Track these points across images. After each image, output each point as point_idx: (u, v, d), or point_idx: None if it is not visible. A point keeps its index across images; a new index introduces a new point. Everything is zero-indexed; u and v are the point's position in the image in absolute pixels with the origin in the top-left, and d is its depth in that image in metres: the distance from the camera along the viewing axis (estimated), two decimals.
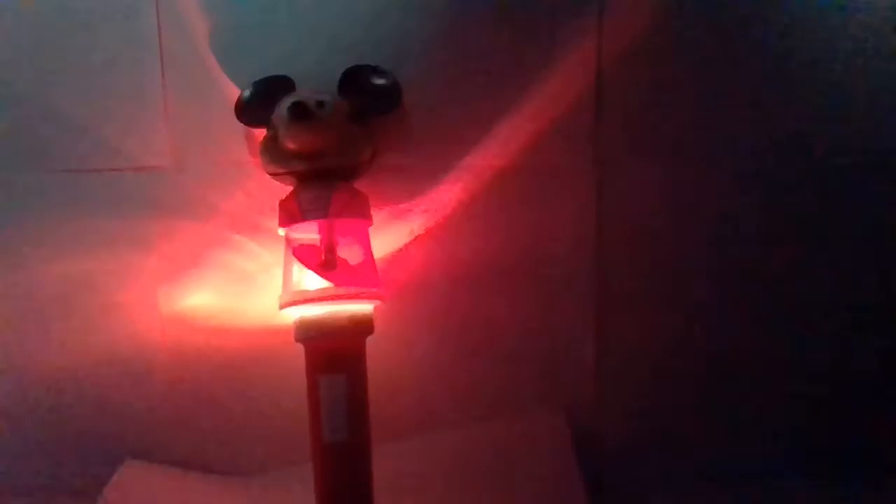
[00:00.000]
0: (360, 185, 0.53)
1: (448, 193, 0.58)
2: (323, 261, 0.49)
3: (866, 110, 0.58)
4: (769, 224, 0.59)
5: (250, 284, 0.58)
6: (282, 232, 0.51)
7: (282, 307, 0.49)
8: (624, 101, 0.57)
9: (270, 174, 0.51)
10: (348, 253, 0.51)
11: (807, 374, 0.60)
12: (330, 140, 0.49)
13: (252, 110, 0.52)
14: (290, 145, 0.49)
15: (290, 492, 0.55)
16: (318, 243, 0.50)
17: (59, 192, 0.57)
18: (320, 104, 0.49)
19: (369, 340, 0.51)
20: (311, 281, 0.50)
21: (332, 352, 0.48)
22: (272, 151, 0.50)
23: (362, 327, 0.49)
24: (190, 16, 0.55)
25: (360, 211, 0.51)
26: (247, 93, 0.53)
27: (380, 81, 0.52)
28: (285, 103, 0.49)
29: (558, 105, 0.57)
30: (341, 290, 0.48)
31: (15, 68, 0.56)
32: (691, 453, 0.60)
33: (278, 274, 0.53)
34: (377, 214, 0.55)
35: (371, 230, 0.53)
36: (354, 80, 0.52)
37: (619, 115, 0.58)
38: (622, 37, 0.56)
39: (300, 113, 0.47)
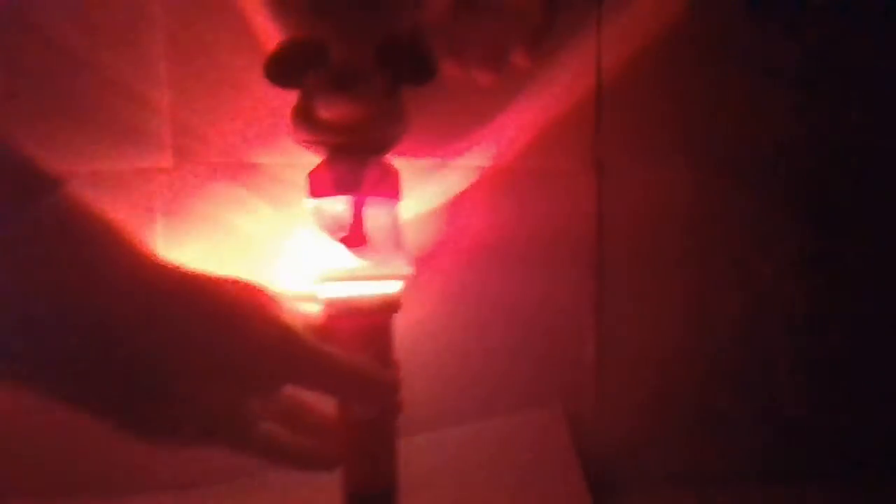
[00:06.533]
0: None
1: (446, 194, 0.58)
2: (352, 236, 0.48)
3: (870, 111, 0.59)
4: (771, 225, 0.59)
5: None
6: (309, 204, 0.50)
7: (314, 283, 0.47)
8: (624, 101, 0.58)
9: (300, 142, 0.49)
10: (378, 229, 0.49)
11: (809, 375, 0.60)
12: (367, 112, 0.47)
13: (284, 70, 0.48)
14: (326, 114, 0.47)
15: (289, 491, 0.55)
16: (346, 217, 0.48)
17: None
18: (359, 74, 0.47)
19: None
20: (337, 257, 0.48)
21: (362, 330, 0.47)
22: (305, 118, 0.48)
23: (392, 305, 0.48)
24: (194, 13, 0.55)
25: (393, 187, 0.49)
26: (279, 51, 0.48)
27: (417, 52, 0.49)
28: (323, 70, 0.46)
29: (558, 105, 0.57)
30: (378, 270, 0.47)
31: (14, 67, 0.56)
32: (692, 453, 0.60)
33: (278, 274, 0.53)
34: None
35: None
36: (392, 51, 0.48)
37: (619, 116, 0.58)
38: (622, 36, 0.56)
39: (341, 82, 0.46)
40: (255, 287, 0.41)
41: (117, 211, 0.56)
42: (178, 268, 0.38)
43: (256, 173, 0.57)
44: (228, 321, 0.38)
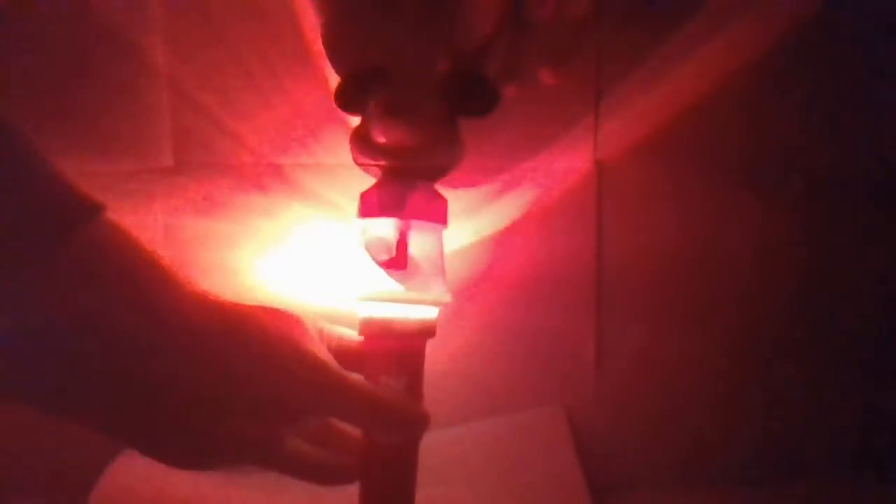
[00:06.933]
0: None
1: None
2: (394, 259, 0.48)
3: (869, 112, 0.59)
4: (771, 228, 0.59)
5: (250, 285, 0.58)
6: (358, 223, 0.50)
7: (360, 300, 0.48)
8: (624, 102, 0.58)
9: (357, 163, 0.50)
10: (420, 254, 0.49)
11: (807, 375, 0.60)
12: (422, 138, 0.47)
13: (350, 98, 0.49)
14: (380, 139, 0.48)
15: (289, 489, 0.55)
16: (390, 239, 0.48)
17: None
18: (416, 101, 0.47)
19: None
20: (377, 278, 0.48)
21: (396, 353, 0.47)
22: (363, 142, 0.49)
23: (428, 331, 0.48)
24: (195, 14, 0.55)
25: (437, 213, 0.50)
26: (345, 80, 0.49)
27: (481, 84, 0.49)
28: (380, 95, 0.47)
29: (558, 105, 0.57)
30: (417, 295, 0.47)
31: (14, 68, 0.56)
32: (691, 453, 0.60)
33: (277, 275, 0.53)
34: None
35: None
36: (456, 81, 0.49)
37: (620, 117, 0.58)
38: (622, 35, 0.56)
39: (396, 108, 0.46)
40: (288, 317, 0.41)
41: (117, 212, 0.57)
42: (214, 299, 0.38)
43: (258, 173, 0.57)
44: (262, 356, 0.38)
